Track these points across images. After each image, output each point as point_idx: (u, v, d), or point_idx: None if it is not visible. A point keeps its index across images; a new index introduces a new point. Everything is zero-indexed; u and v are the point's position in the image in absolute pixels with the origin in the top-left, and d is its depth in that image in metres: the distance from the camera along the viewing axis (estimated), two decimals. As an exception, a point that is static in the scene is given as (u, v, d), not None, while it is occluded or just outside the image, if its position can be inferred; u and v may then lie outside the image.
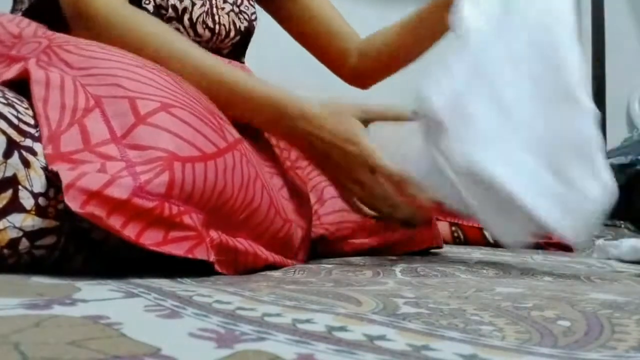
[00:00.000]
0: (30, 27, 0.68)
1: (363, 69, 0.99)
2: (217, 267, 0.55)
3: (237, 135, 0.62)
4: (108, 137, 0.53)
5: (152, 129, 0.53)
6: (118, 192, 0.48)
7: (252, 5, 0.92)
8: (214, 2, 0.85)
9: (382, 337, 0.31)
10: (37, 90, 0.55)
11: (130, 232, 0.49)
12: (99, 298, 0.39)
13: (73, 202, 0.47)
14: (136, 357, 0.25)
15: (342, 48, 0.99)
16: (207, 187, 0.54)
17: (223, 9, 0.86)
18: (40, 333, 0.28)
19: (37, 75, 0.57)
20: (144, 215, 0.49)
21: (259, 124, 0.75)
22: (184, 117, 0.55)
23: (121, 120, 0.54)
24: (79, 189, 0.48)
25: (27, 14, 0.75)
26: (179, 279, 0.51)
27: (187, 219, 0.52)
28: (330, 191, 0.83)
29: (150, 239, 0.50)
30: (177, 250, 0.51)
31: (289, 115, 0.72)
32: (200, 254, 0.53)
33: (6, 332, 0.27)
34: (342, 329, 0.32)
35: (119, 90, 0.56)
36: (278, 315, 0.35)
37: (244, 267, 0.60)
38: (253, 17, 0.91)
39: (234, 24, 0.87)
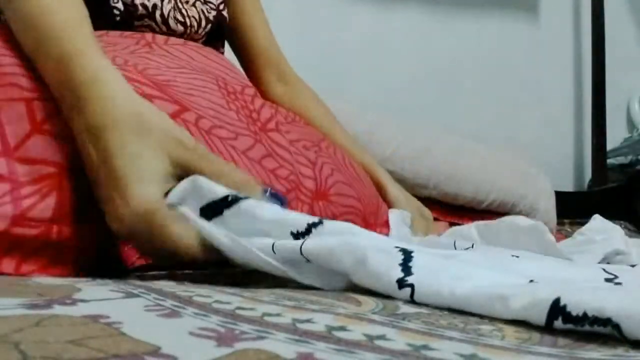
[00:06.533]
0: None
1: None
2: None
3: None
4: (0, 148, 0.48)
5: (47, 138, 0.50)
6: None
7: None
8: None
9: (382, 337, 0.31)
10: None
11: (7, 266, 0.46)
12: (99, 298, 0.39)
13: None
14: (136, 355, 0.25)
15: (259, 72, 0.98)
16: None
17: (187, 2, 0.85)
18: (40, 332, 0.28)
19: None
20: (25, 244, 0.47)
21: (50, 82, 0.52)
22: None
23: (16, 127, 0.49)
24: None
25: None
26: (178, 279, 0.51)
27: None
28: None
29: (33, 266, 0.48)
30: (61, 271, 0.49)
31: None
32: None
33: (6, 331, 0.27)
34: (342, 328, 0.32)
35: (16, 91, 0.51)
36: (278, 315, 0.35)
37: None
38: (221, 7, 0.90)
39: (204, 13, 0.86)
